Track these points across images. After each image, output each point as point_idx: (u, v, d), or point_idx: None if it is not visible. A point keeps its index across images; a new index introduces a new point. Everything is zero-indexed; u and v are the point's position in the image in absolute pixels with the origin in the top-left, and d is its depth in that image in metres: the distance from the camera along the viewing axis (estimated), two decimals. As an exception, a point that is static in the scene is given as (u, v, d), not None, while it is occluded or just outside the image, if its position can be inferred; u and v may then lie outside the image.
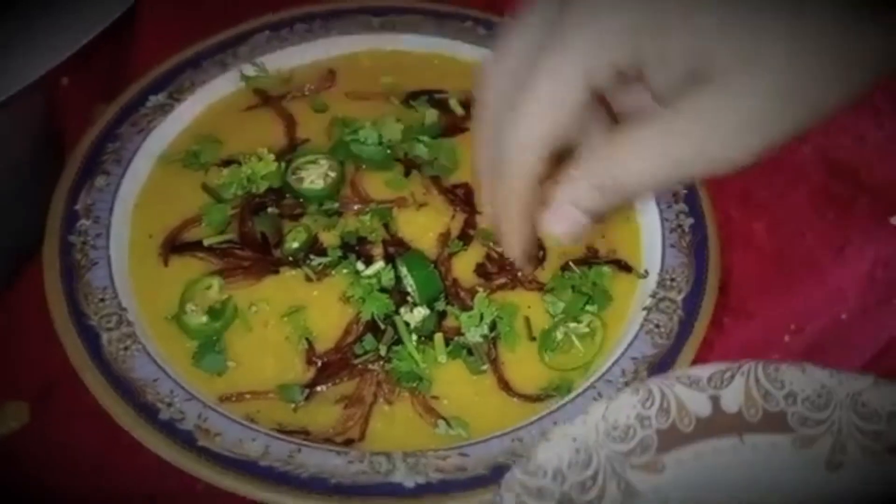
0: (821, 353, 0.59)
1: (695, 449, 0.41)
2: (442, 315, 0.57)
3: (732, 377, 0.42)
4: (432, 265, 0.59)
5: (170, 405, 0.50)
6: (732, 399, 0.42)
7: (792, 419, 0.42)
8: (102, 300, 0.54)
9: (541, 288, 0.59)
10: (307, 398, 0.53)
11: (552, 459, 0.39)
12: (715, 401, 0.41)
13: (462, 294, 0.58)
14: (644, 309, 0.56)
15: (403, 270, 0.58)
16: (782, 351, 0.60)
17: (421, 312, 0.56)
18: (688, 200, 0.62)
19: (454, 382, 0.55)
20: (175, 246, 0.60)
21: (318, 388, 0.54)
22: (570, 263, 0.60)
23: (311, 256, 0.59)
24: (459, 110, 0.69)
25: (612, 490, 0.39)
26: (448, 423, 0.52)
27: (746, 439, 0.41)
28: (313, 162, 0.64)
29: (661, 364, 0.53)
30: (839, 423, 0.42)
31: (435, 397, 0.54)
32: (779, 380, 0.42)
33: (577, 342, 0.56)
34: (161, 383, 0.51)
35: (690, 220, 0.61)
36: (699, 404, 0.41)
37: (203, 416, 0.50)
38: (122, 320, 0.54)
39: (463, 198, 0.64)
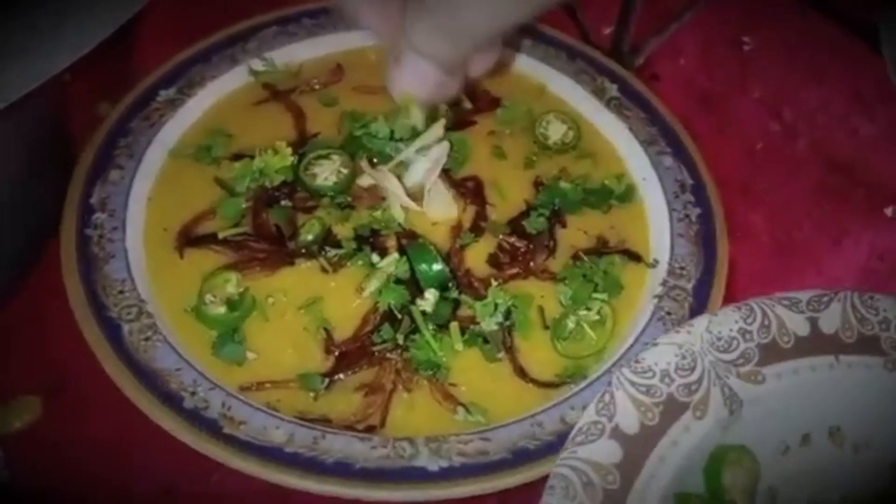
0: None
1: (793, 365, 0.43)
2: (456, 304, 0.58)
3: (830, 302, 0.44)
4: (435, 253, 0.59)
5: (193, 394, 0.51)
6: (829, 322, 0.43)
7: (885, 343, 0.43)
8: (122, 292, 0.55)
9: (553, 278, 0.60)
10: (327, 387, 0.54)
11: (660, 362, 0.41)
12: (813, 322, 0.43)
13: (476, 284, 0.59)
14: (655, 297, 0.58)
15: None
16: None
17: (433, 295, 0.57)
18: (694, 191, 0.63)
19: (471, 370, 0.55)
20: (190, 239, 0.60)
21: (338, 377, 0.54)
22: (581, 254, 0.61)
23: (326, 248, 0.60)
24: (468, 104, 0.70)
25: (716, 395, 0.41)
26: (467, 409, 0.53)
27: (842, 359, 0.43)
28: (326, 157, 0.64)
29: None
30: None
31: (453, 384, 0.55)
32: (874, 307, 0.44)
33: (588, 330, 0.57)
34: (184, 373, 0.52)
35: (698, 210, 0.62)
36: (798, 324, 0.43)
37: (227, 405, 0.51)
38: (141, 312, 0.54)
39: (473, 190, 0.65)
